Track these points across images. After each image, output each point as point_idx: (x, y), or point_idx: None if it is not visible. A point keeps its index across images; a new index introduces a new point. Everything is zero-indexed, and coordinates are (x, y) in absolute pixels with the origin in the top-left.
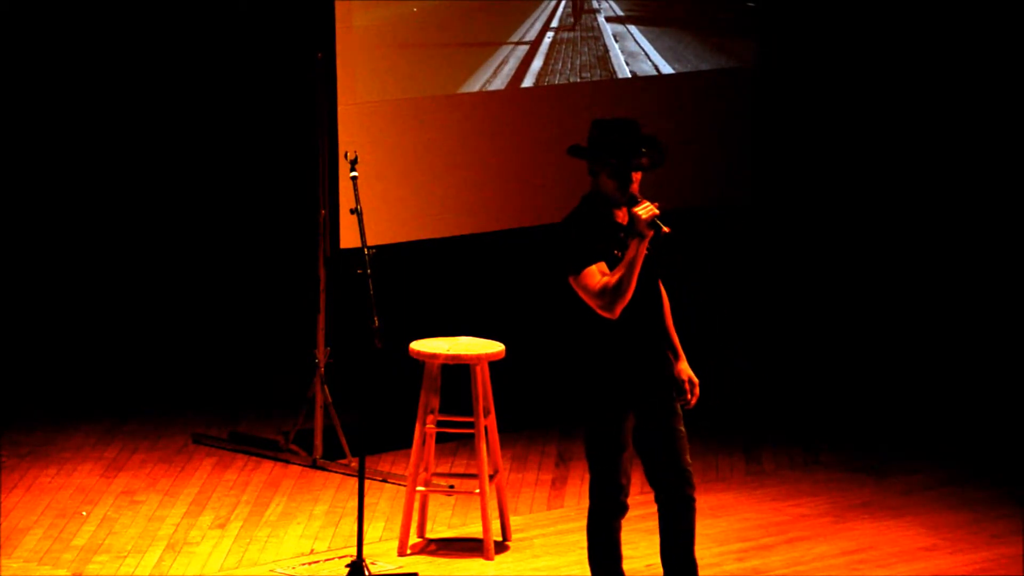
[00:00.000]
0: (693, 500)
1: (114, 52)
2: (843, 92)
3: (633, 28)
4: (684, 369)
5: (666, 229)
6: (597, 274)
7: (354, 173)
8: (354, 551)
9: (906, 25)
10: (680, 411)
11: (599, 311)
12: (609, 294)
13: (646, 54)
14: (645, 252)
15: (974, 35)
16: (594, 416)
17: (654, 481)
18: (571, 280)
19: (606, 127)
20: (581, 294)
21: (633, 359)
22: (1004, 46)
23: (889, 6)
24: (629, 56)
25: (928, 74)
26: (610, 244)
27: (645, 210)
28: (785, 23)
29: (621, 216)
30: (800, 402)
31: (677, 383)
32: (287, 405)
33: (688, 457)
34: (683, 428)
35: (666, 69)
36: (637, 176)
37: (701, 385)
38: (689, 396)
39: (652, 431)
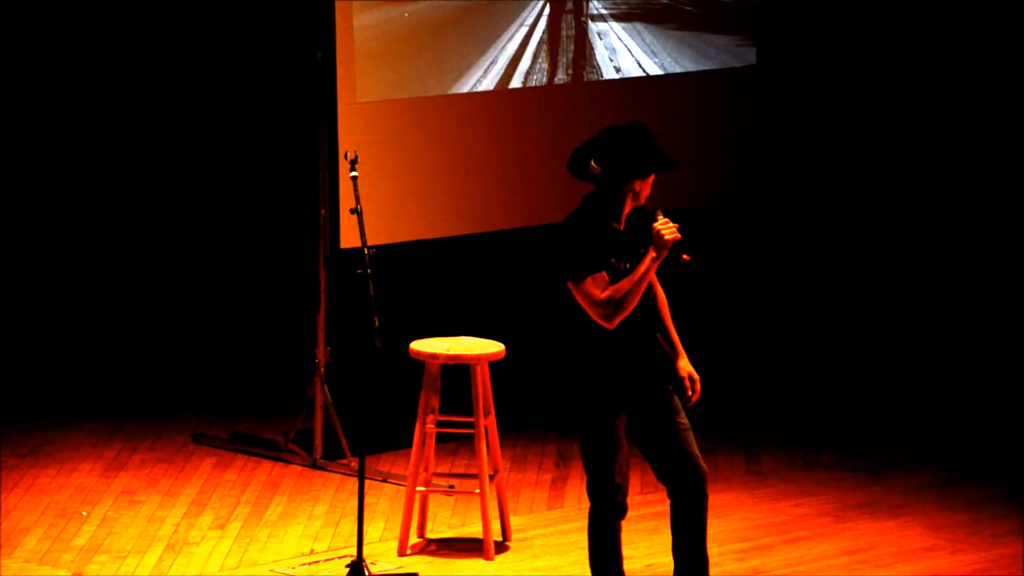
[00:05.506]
0: (705, 496)
1: (114, 52)
2: (844, 92)
3: (639, 25)
4: (684, 366)
5: (686, 257)
6: (599, 284)
7: (354, 173)
8: (354, 551)
9: (907, 24)
10: (679, 406)
11: (598, 320)
12: (613, 305)
13: (652, 51)
14: (655, 269)
15: (975, 35)
16: (589, 416)
17: (664, 477)
18: (571, 286)
19: (616, 139)
20: (580, 301)
21: (625, 359)
22: (1004, 45)
23: (890, 5)
24: (635, 53)
25: (929, 74)
26: (609, 251)
27: (669, 231)
28: (785, 22)
29: (625, 214)
30: (800, 402)
31: (677, 380)
32: (287, 405)
33: (697, 450)
34: (686, 421)
35: (670, 68)
36: (650, 180)
37: (701, 383)
38: (690, 393)
39: (651, 429)
